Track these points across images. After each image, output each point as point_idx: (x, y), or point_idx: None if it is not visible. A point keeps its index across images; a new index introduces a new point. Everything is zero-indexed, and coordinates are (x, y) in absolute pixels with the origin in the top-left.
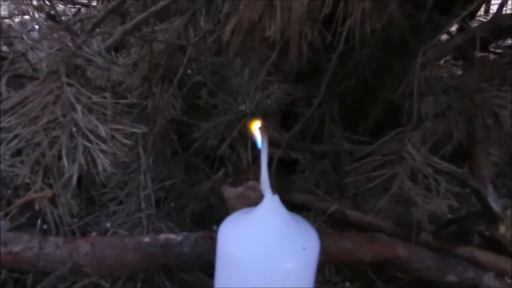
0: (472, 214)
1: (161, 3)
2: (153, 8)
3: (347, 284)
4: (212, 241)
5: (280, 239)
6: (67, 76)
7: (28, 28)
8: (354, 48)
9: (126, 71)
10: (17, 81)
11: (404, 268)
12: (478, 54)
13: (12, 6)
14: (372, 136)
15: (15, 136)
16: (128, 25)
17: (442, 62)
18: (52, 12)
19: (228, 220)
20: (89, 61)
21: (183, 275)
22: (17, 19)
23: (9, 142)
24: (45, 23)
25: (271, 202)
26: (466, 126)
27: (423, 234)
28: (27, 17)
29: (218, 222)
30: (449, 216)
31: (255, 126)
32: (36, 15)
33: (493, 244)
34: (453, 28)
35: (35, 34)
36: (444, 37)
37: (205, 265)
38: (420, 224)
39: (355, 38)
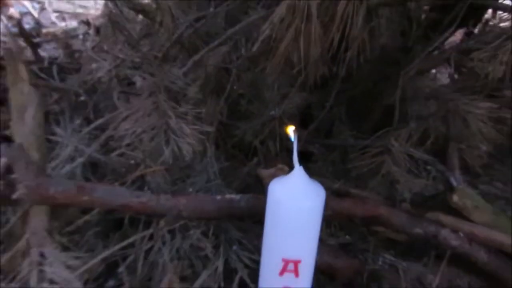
0: (440, 192)
1: (217, 42)
2: (211, 45)
3: (347, 237)
4: (257, 200)
5: (304, 189)
6: (162, 93)
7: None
8: (359, 66)
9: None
10: (122, 96)
11: (385, 223)
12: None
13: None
14: (373, 134)
15: (130, 134)
16: (197, 56)
17: (434, 71)
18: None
19: (274, 181)
20: (173, 83)
21: (239, 223)
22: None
23: (125, 137)
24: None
25: (299, 170)
26: (442, 126)
27: (404, 205)
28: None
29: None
30: (426, 194)
31: (290, 128)
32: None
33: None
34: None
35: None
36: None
37: (253, 215)
38: (402, 197)
39: (355, 62)
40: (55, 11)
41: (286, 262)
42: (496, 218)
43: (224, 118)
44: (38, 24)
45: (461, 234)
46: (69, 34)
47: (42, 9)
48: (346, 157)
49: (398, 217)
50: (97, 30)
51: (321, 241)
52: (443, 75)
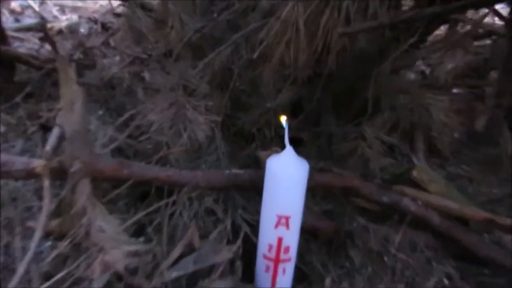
0: (405, 170)
1: (224, 46)
2: (218, 49)
3: (330, 206)
4: (257, 174)
5: (292, 163)
6: (179, 90)
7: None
8: (341, 65)
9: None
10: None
11: (357, 193)
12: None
13: None
14: (354, 122)
15: (155, 123)
16: (207, 59)
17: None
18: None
19: (270, 158)
20: (187, 81)
21: (243, 192)
22: None
23: (151, 125)
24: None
25: (289, 149)
26: (410, 116)
27: (375, 180)
28: None
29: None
30: (393, 171)
31: (283, 117)
32: None
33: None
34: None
35: None
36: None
37: (254, 186)
38: (374, 173)
39: (335, 65)
40: (56, 4)
41: (280, 217)
42: (447, 190)
43: (228, 110)
44: (42, 18)
45: (419, 202)
46: (73, 29)
47: (42, 2)
48: (331, 141)
49: (369, 188)
50: (103, 26)
51: (308, 208)
52: (414, 73)
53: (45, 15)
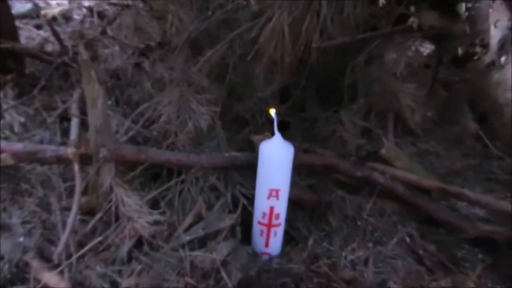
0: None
1: (221, 44)
2: (218, 46)
3: (313, 181)
4: (251, 156)
5: (281, 146)
6: (184, 85)
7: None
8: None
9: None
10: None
11: (336, 169)
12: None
13: None
14: (335, 108)
15: (163, 114)
16: (206, 56)
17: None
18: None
19: (262, 142)
20: (190, 76)
21: (240, 171)
22: None
23: (160, 116)
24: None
25: (278, 135)
26: (383, 102)
27: (352, 158)
28: None
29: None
30: (367, 150)
31: (272, 110)
32: None
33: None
34: None
35: None
36: None
37: (249, 166)
38: (350, 153)
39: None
40: None
41: (271, 190)
42: (411, 165)
43: (225, 100)
44: (35, 5)
45: (387, 176)
46: (67, 16)
47: None
48: (314, 125)
49: (345, 165)
50: (99, 15)
51: (294, 182)
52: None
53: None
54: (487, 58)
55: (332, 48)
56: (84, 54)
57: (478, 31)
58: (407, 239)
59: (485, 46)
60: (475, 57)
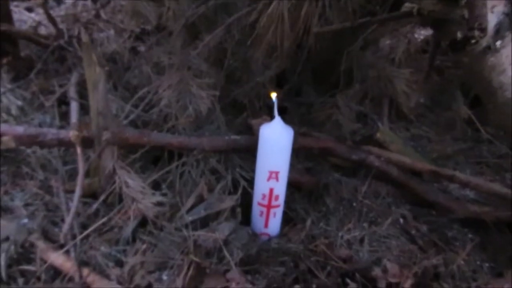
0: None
1: (220, 28)
2: (217, 31)
3: (310, 164)
4: (251, 139)
5: (280, 130)
6: (184, 69)
7: None
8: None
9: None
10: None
11: (332, 153)
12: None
13: None
14: (331, 93)
15: (164, 98)
16: (208, 37)
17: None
18: None
19: (263, 126)
20: (190, 61)
21: (240, 154)
22: None
23: (160, 100)
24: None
25: (278, 118)
26: (379, 88)
27: (347, 141)
28: None
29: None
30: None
31: (273, 94)
32: None
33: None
34: None
35: None
36: None
37: (248, 149)
38: (346, 136)
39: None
40: None
41: (271, 172)
42: (405, 148)
43: (223, 84)
44: None
45: (382, 159)
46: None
47: None
48: (310, 110)
49: (341, 149)
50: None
51: (293, 165)
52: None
53: None
54: (483, 43)
55: (329, 34)
56: (84, 37)
57: (477, 16)
58: (401, 220)
59: (483, 30)
60: (473, 41)
